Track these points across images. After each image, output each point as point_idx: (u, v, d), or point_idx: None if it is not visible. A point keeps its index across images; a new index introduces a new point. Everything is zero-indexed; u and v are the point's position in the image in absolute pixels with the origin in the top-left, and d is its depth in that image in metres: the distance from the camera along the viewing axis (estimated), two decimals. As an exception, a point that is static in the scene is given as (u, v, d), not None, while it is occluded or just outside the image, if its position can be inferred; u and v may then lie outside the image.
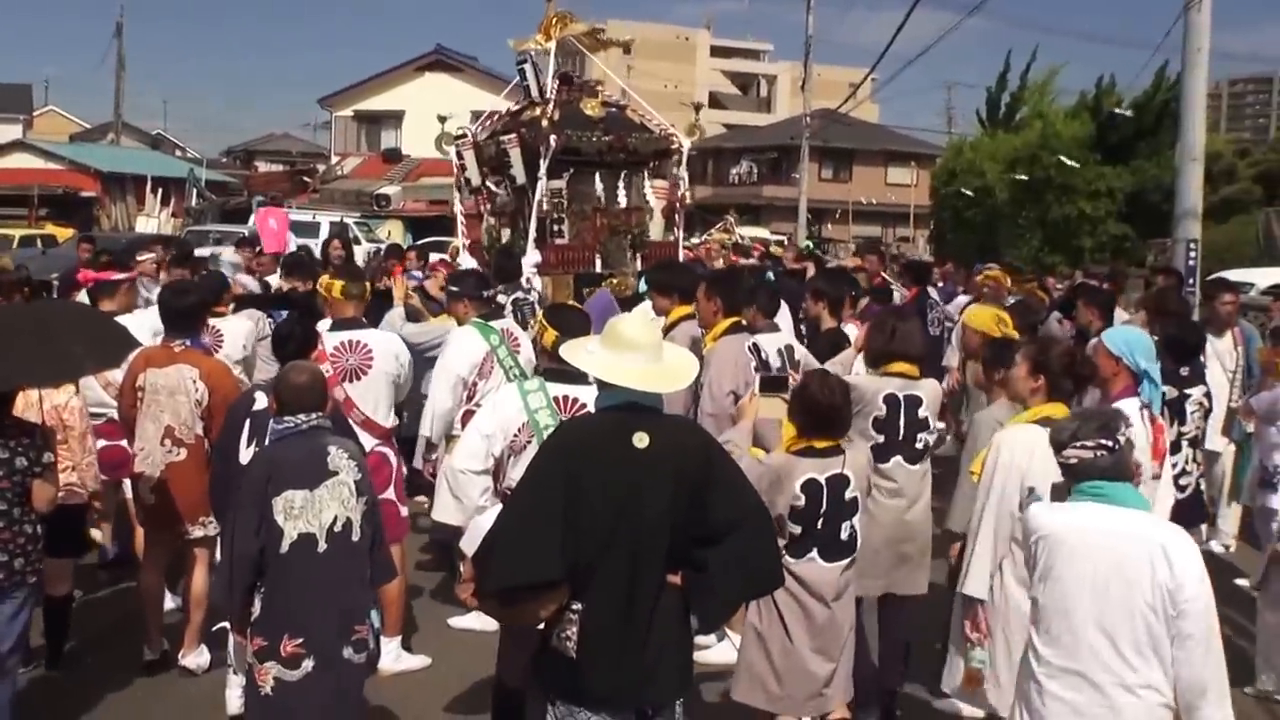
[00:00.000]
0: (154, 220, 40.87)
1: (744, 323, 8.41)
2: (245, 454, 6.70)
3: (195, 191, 46.82)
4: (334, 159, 60.13)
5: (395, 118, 57.51)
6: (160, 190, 43.74)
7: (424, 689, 7.80)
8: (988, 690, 6.04)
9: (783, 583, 5.15)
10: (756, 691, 6.18)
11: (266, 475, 5.53)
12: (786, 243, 30.73)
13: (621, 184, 14.62)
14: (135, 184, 48.43)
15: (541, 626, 4.71)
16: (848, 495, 6.09)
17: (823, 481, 6.03)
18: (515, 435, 6.06)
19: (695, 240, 24.84)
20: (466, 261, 14.42)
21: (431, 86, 54.50)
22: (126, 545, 9.48)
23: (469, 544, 5.37)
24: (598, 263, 13.97)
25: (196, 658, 7.87)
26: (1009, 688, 5.47)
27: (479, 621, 8.31)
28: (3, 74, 73.53)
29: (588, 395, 5.80)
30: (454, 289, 9.39)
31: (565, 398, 6.10)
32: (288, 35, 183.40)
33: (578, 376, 5.77)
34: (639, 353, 4.76)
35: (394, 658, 7.90)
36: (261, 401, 6.76)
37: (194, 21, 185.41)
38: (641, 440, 4.58)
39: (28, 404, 7.23)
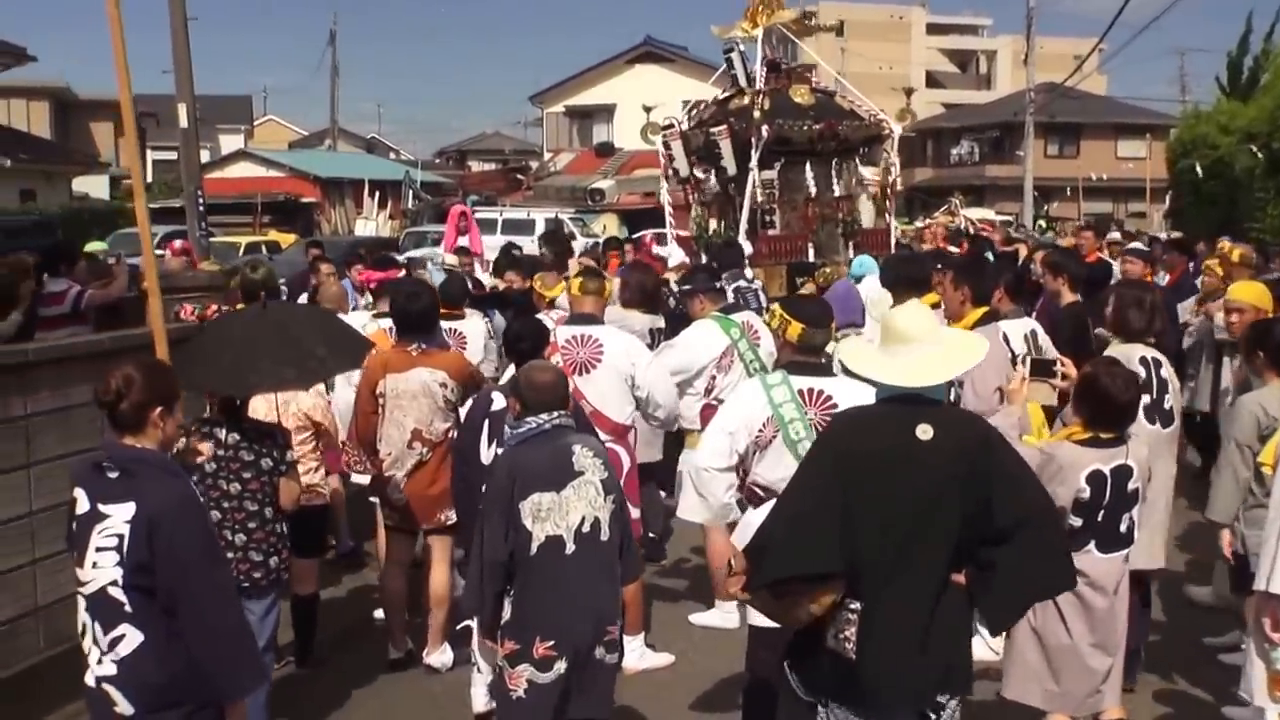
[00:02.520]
0: (372, 223, 41.59)
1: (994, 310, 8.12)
2: (486, 454, 6.80)
3: (411, 193, 47.43)
4: (546, 155, 60.56)
5: (607, 111, 57.64)
6: (377, 193, 44.50)
7: (669, 688, 7.74)
8: None
9: (1075, 584, 4.89)
10: (1031, 689, 5.94)
11: (512, 479, 5.45)
12: (997, 224, 29.75)
13: (833, 171, 14.37)
14: (353, 188, 49.48)
15: (809, 626, 4.54)
16: (1130, 486, 5.95)
17: (1107, 473, 5.83)
18: (760, 430, 5.96)
19: (919, 224, 24.20)
20: (674, 253, 14.26)
21: (642, 78, 54.46)
22: (359, 540, 9.86)
23: (740, 539, 5.20)
24: (810, 252, 13.67)
25: (440, 656, 7.97)
26: None
27: (720, 619, 8.57)
28: (225, 87, 76.28)
29: (834, 387, 5.94)
30: (687, 285, 9.42)
31: (810, 390, 5.99)
32: (496, 34, 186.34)
33: (823, 369, 5.91)
34: (916, 345, 4.53)
35: (638, 656, 7.89)
36: (499, 401, 6.80)
37: (403, 27, 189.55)
38: (925, 433, 4.38)
39: (270, 407, 7.59)
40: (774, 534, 4.57)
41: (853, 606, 4.42)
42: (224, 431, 6.59)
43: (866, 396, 5.92)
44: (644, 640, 8.09)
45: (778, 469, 5.91)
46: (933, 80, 79.95)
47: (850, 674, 4.43)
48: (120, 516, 4.41)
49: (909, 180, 61.89)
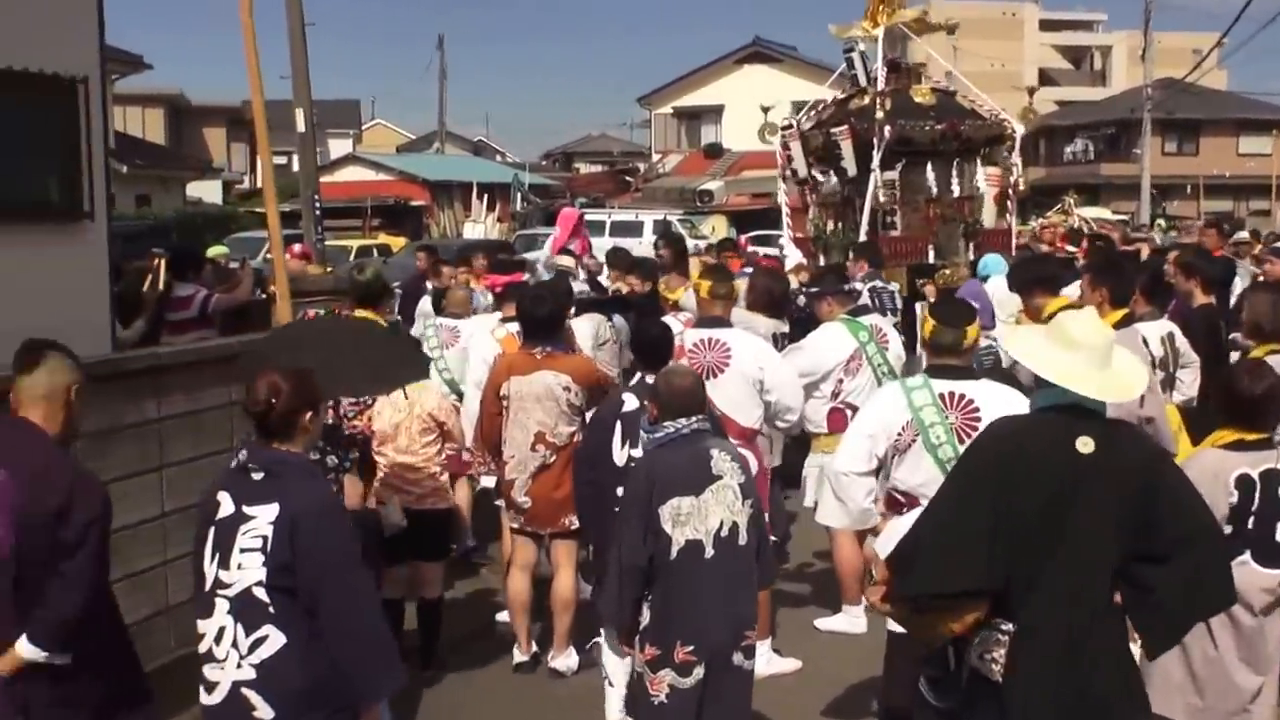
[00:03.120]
0: (480, 226, 41.68)
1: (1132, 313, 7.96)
2: (620, 455, 6.83)
3: (520, 196, 47.58)
4: (654, 157, 60.56)
5: (715, 112, 57.58)
6: (485, 196, 44.63)
7: (796, 694, 7.63)
8: None
9: (1234, 601, 4.73)
10: (1175, 703, 5.70)
11: (650, 483, 5.46)
12: (1114, 222, 29.20)
13: (954, 172, 14.22)
14: (461, 191, 49.68)
15: (952, 643, 4.43)
16: None
17: (1255, 477, 5.63)
18: (899, 434, 5.93)
19: (1031, 224, 23.88)
20: (791, 255, 14.18)
21: (751, 79, 54.39)
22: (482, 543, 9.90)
23: (883, 546, 5.06)
24: (930, 253, 13.54)
25: (565, 660, 7.94)
26: None
27: (847, 624, 8.47)
28: (334, 91, 76.79)
29: (976, 391, 5.84)
30: (814, 288, 9.38)
31: (952, 394, 5.91)
32: (602, 36, 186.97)
33: (964, 372, 5.82)
34: (1087, 353, 4.32)
35: (765, 661, 7.67)
36: (631, 403, 6.84)
37: (509, 30, 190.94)
38: (1086, 445, 4.20)
39: (395, 409, 7.65)
40: (921, 545, 4.44)
41: (1004, 627, 4.28)
42: None
43: (1010, 401, 5.84)
44: (771, 645, 8.00)
45: (917, 474, 5.87)
46: (1046, 77, 78.89)
47: (996, 696, 4.28)
48: (264, 518, 4.43)
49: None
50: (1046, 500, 4.20)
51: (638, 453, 6.78)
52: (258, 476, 4.51)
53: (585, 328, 9.73)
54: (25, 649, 4.52)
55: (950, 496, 4.44)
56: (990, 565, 4.19)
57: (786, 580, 9.68)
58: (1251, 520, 5.63)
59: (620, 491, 6.80)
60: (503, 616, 8.52)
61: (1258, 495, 5.62)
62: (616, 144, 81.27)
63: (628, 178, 55.31)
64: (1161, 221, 31.78)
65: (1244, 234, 20.49)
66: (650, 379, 6.93)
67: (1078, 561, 4.19)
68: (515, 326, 8.76)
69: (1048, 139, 70.01)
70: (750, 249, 17.51)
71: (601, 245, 20.56)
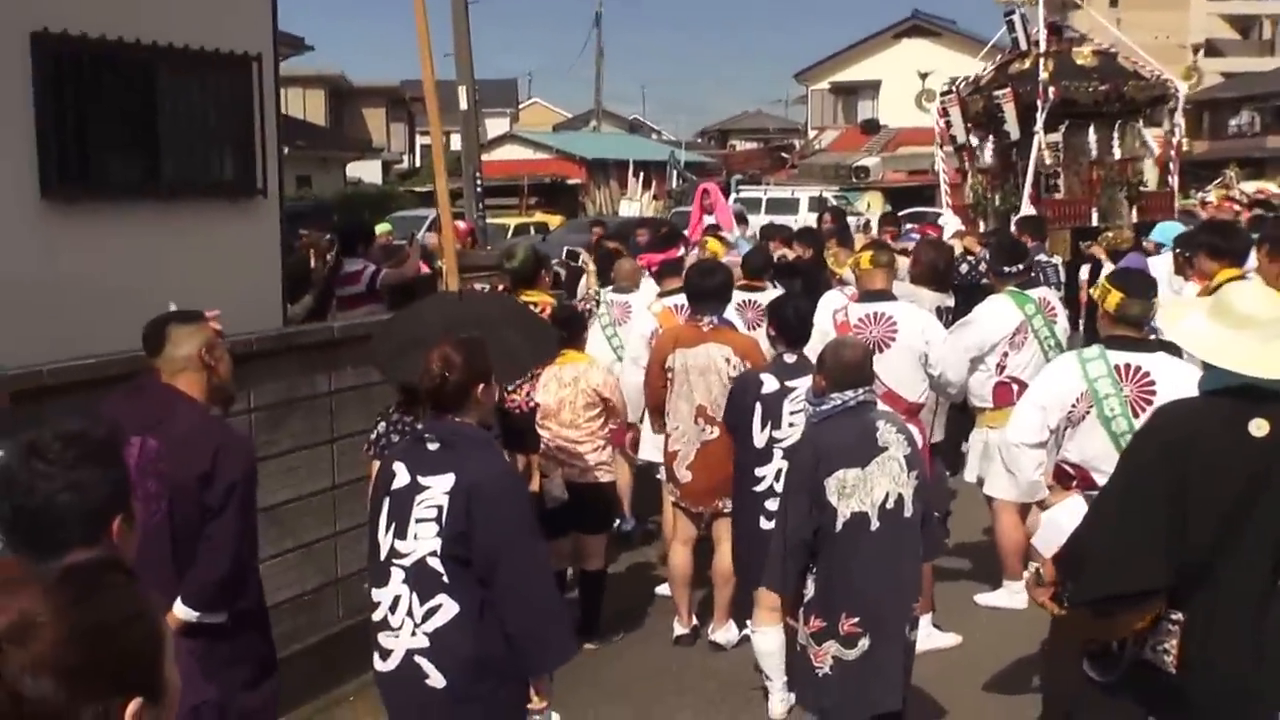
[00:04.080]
0: (636, 203, 41.91)
1: None
2: (760, 437, 6.89)
3: (676, 173, 47.65)
4: (811, 133, 60.21)
5: (872, 88, 57.13)
6: (641, 174, 44.79)
7: (958, 669, 7.59)
8: None
9: None
10: None
11: (816, 455, 5.46)
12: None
13: (1116, 134, 14.05)
14: (617, 169, 49.98)
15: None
16: None
17: None
18: (1073, 406, 5.82)
19: (1193, 197, 23.32)
20: (949, 222, 14.03)
21: (909, 53, 53.80)
22: (643, 519, 9.93)
23: (1043, 542, 4.99)
24: (1094, 216, 13.38)
25: (726, 633, 7.96)
26: None
27: (1008, 599, 8.44)
28: (491, 71, 77.62)
29: (1153, 364, 5.71)
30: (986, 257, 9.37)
31: (1128, 366, 5.78)
32: (759, 12, 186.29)
33: (1143, 344, 5.69)
34: (1256, 330, 4.10)
35: (925, 635, 7.61)
36: (770, 384, 6.89)
37: (665, 6, 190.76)
38: (1260, 428, 3.99)
39: (561, 384, 7.80)
40: (1094, 546, 4.30)
41: (1173, 617, 4.13)
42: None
43: (1188, 374, 5.67)
44: (931, 620, 7.94)
45: (1090, 447, 5.77)
46: (1212, 49, 76.64)
47: (1171, 689, 4.16)
48: (440, 488, 4.49)
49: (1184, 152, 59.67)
50: (1221, 489, 4.02)
51: (780, 434, 6.82)
52: (433, 447, 4.56)
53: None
54: (180, 610, 4.60)
55: (1118, 493, 4.29)
56: (1161, 563, 4.06)
57: (947, 556, 9.58)
58: None
59: (758, 472, 6.90)
60: (663, 589, 8.58)
61: None
62: (772, 121, 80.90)
63: (784, 154, 55.12)
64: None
65: None
66: (789, 358, 6.93)
67: (1253, 551, 4.03)
68: (672, 300, 8.82)
69: (1212, 111, 68.18)
70: (908, 227, 17.38)
71: (757, 223, 20.52)
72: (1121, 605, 4.16)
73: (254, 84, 7.89)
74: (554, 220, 37.49)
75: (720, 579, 7.87)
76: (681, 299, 8.55)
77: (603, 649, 8.06)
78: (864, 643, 5.40)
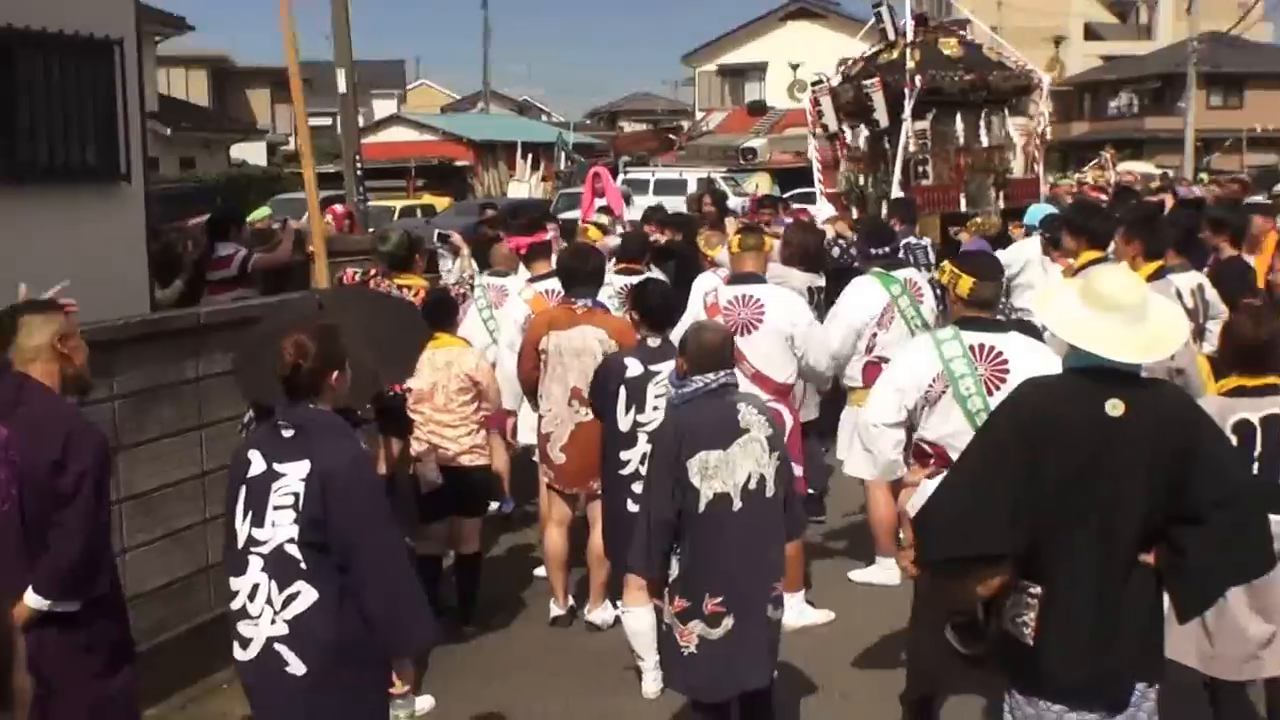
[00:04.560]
0: (525, 185, 41.76)
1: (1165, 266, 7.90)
2: (624, 421, 6.97)
3: (564, 155, 47.54)
4: (699, 115, 60.41)
5: (759, 70, 57.45)
6: (530, 155, 44.63)
7: (830, 645, 7.71)
8: None
9: (1272, 568, 4.57)
10: (1188, 649, 5.62)
11: (679, 438, 5.47)
12: (1139, 175, 28.99)
13: (982, 123, 14.40)
14: (505, 151, 49.73)
15: (985, 607, 4.52)
16: None
17: (1256, 422, 5.53)
18: (929, 386, 5.99)
19: (1070, 177, 23.82)
20: (823, 209, 14.29)
21: (795, 35, 54.16)
22: (521, 502, 9.87)
23: (914, 509, 5.18)
24: (962, 202, 13.69)
25: (602, 613, 8.04)
26: None
27: (881, 575, 8.53)
28: (378, 52, 77.19)
29: (1006, 344, 5.96)
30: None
31: (981, 346, 5.96)
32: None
33: (994, 324, 5.88)
34: (1119, 314, 4.24)
35: (797, 613, 7.81)
36: (635, 368, 6.95)
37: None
38: (1115, 408, 4.14)
39: (433, 368, 7.71)
40: (942, 509, 4.44)
41: (1032, 590, 4.24)
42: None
43: (1040, 353, 5.88)
44: (804, 597, 8.07)
45: (946, 425, 5.91)
46: (1091, 32, 77.89)
47: (1030, 660, 4.27)
48: (295, 475, 4.48)
49: (1064, 134, 60.65)
50: (1075, 465, 4.15)
51: (645, 417, 6.88)
52: (288, 434, 4.56)
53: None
54: (30, 599, 4.58)
55: (972, 460, 4.42)
56: (1007, 530, 4.16)
57: (823, 534, 9.78)
58: (1255, 466, 5.53)
59: (623, 455, 6.95)
60: (542, 571, 8.60)
61: (1259, 440, 5.54)
62: (661, 102, 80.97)
63: (672, 136, 55.18)
64: (1204, 175, 31.46)
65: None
66: (653, 341, 6.99)
67: (1107, 525, 4.15)
68: (543, 286, 8.84)
69: (1092, 94, 69.44)
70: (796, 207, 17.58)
71: (645, 203, 20.60)
72: (962, 568, 4.26)
73: (116, 68, 7.77)
74: (442, 202, 37.28)
75: (595, 560, 7.92)
76: (552, 284, 8.59)
77: (480, 632, 8.08)
78: (728, 622, 5.43)
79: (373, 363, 6.26)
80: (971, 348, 5.93)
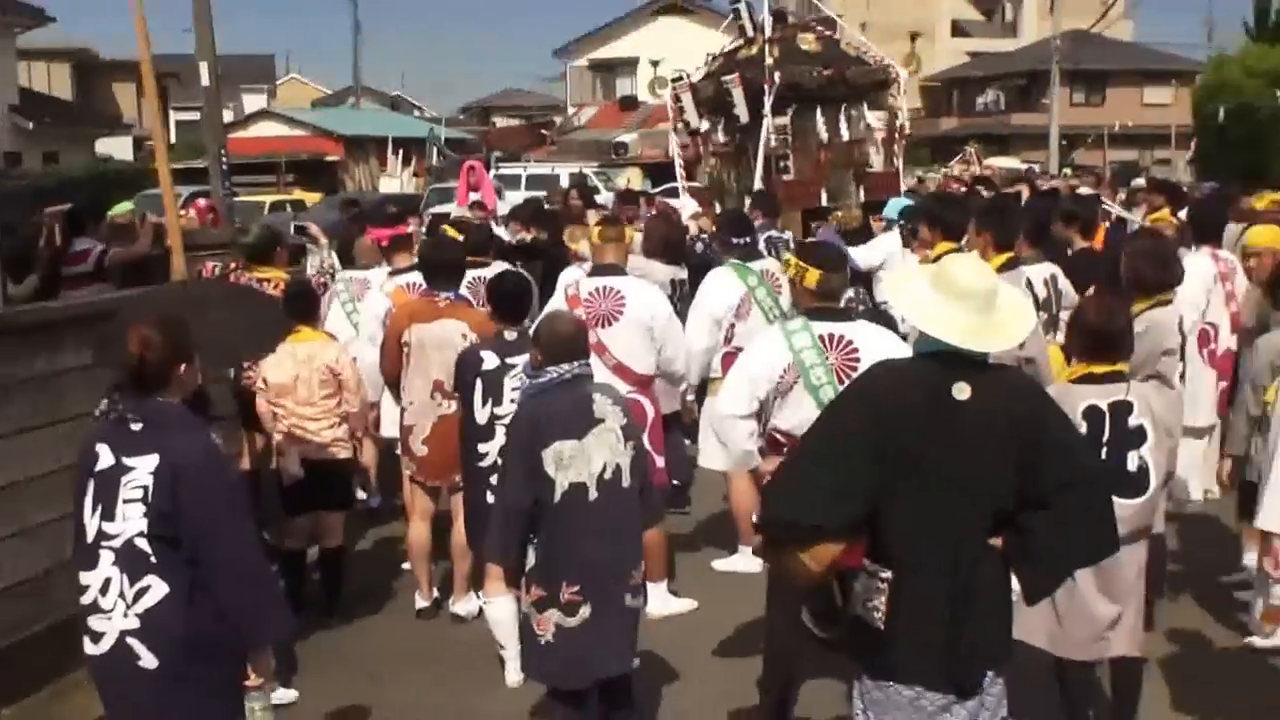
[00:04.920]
0: (396, 180, 41.52)
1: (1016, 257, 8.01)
2: (482, 413, 6.95)
3: (436, 150, 47.24)
4: (570, 110, 60.36)
5: (630, 65, 57.46)
6: (401, 151, 44.34)
7: (693, 633, 7.79)
8: None
9: (1117, 549, 4.63)
10: (1037, 630, 5.75)
11: (533, 428, 5.49)
12: (994, 168, 29.57)
13: (842, 117, 14.59)
14: (376, 146, 49.30)
15: (837, 582, 4.46)
16: (1132, 422, 5.68)
17: (1104, 408, 5.66)
18: (781, 377, 6.05)
19: (937, 172, 24.21)
20: (686, 204, 14.37)
21: (665, 30, 54.32)
22: (388, 496, 9.86)
23: None
24: (823, 196, 13.88)
25: (466, 604, 8.09)
26: None
27: (744, 564, 8.63)
28: (247, 46, 76.21)
29: (855, 332, 6.02)
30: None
31: (831, 336, 6.05)
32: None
33: (841, 314, 6.00)
34: (970, 302, 4.28)
35: (661, 602, 7.94)
36: (491, 361, 6.95)
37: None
38: (962, 392, 4.17)
39: (295, 361, 7.74)
40: (777, 479, 4.53)
41: (882, 575, 4.24)
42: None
43: (889, 341, 6.00)
44: (667, 587, 8.13)
45: (798, 415, 5.96)
46: (958, 29, 79.23)
47: (880, 645, 4.28)
48: (144, 468, 4.46)
49: (933, 130, 61.61)
50: (921, 449, 4.17)
51: (502, 410, 6.90)
52: (136, 427, 4.52)
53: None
54: None
55: (816, 436, 4.43)
56: (829, 503, 4.17)
57: (686, 523, 9.87)
58: (1104, 451, 5.67)
59: (481, 448, 6.97)
60: (408, 565, 8.60)
61: (1108, 426, 5.66)
62: (534, 98, 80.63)
63: (544, 131, 55.11)
64: (1068, 170, 32.19)
65: (1140, 181, 20.92)
66: (510, 334, 7.02)
67: (953, 509, 4.18)
68: (404, 279, 8.85)
69: (960, 90, 70.62)
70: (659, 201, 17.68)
71: (517, 199, 20.57)
72: (790, 538, 4.27)
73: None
74: (312, 197, 36.85)
75: (458, 552, 7.94)
76: (414, 277, 8.60)
77: (345, 625, 8.09)
78: (585, 610, 5.46)
79: (231, 335, 6.37)
80: (821, 338, 6.01)
